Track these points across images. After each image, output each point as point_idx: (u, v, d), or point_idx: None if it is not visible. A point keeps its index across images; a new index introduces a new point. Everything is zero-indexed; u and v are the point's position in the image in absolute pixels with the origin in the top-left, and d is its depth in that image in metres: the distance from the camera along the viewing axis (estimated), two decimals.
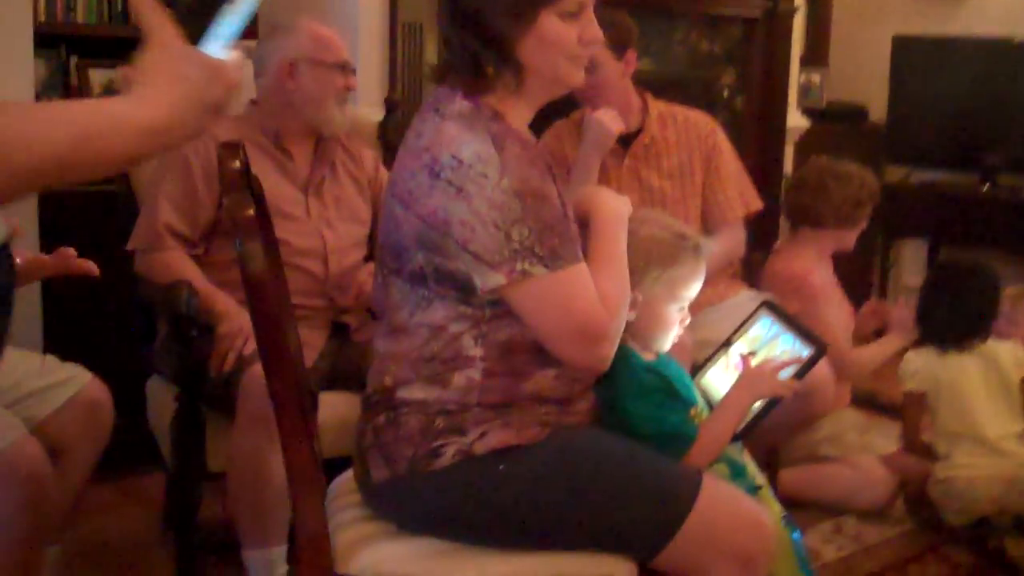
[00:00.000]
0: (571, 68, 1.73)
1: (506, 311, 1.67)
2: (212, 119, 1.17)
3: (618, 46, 2.90)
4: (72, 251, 2.25)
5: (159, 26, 1.16)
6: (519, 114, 1.75)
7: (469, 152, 1.62)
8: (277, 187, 2.65)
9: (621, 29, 2.92)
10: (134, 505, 3.14)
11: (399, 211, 1.69)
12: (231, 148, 1.73)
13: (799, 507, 2.94)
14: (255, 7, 1.22)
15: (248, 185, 1.76)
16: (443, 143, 1.65)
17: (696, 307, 2.88)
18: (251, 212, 1.61)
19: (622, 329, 1.73)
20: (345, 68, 2.71)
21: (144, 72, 1.13)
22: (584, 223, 1.80)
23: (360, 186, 2.80)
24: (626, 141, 3.01)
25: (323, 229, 2.66)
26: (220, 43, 1.20)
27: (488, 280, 1.62)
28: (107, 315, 3.15)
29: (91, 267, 2.26)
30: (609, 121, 2.89)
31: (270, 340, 1.60)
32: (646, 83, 3.17)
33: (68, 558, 2.54)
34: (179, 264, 2.53)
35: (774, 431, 2.51)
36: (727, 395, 1.90)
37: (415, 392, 1.69)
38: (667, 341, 1.94)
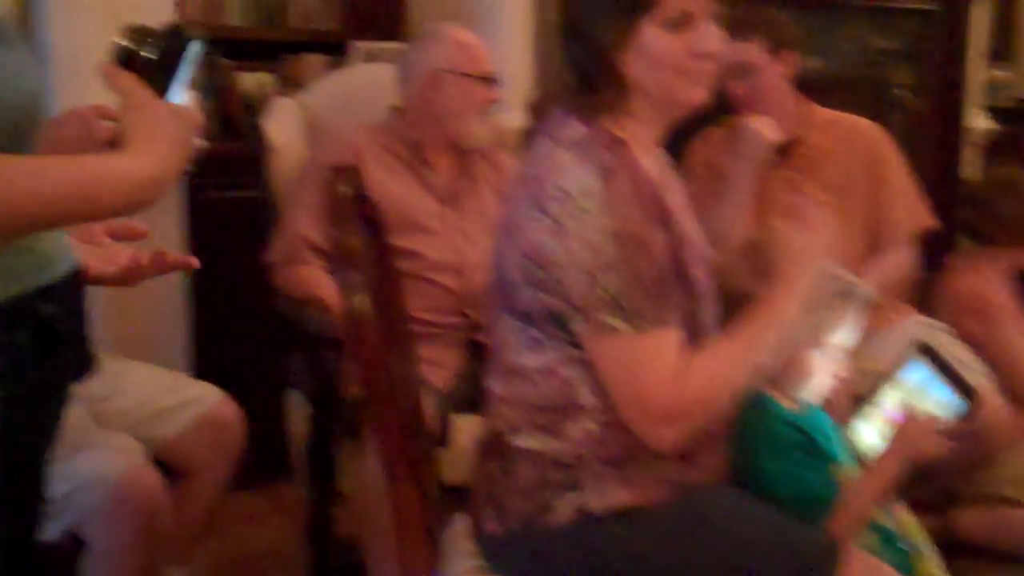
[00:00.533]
0: (685, 85, 1.57)
1: None
2: (188, 159, 1.32)
3: (775, 48, 2.72)
4: (166, 251, 2.23)
5: (131, 89, 1.28)
6: (643, 138, 1.61)
7: (575, 183, 1.50)
8: (414, 198, 2.58)
9: (779, 29, 2.74)
10: (278, 515, 3.13)
11: (505, 243, 1.58)
12: (341, 173, 1.65)
13: (979, 554, 2.71)
14: (202, 53, 1.37)
15: (362, 210, 1.69)
16: (552, 172, 1.53)
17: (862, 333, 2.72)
18: (355, 243, 1.53)
19: (706, 414, 1.55)
20: (489, 80, 2.62)
21: (131, 133, 1.26)
22: (760, 269, 1.65)
23: (529, 157, 2.70)
24: (784, 150, 2.82)
25: (460, 242, 2.57)
26: (180, 89, 1.34)
27: (575, 325, 1.50)
28: (253, 322, 3.14)
29: (190, 261, 2.24)
30: (764, 129, 2.70)
31: (371, 379, 1.52)
32: (811, 83, 2.97)
33: (206, 570, 2.53)
34: (315, 279, 2.47)
35: (946, 472, 2.31)
36: (877, 458, 1.73)
37: (528, 441, 1.58)
38: (810, 390, 1.78)
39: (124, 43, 1.29)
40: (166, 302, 2.99)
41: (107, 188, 1.23)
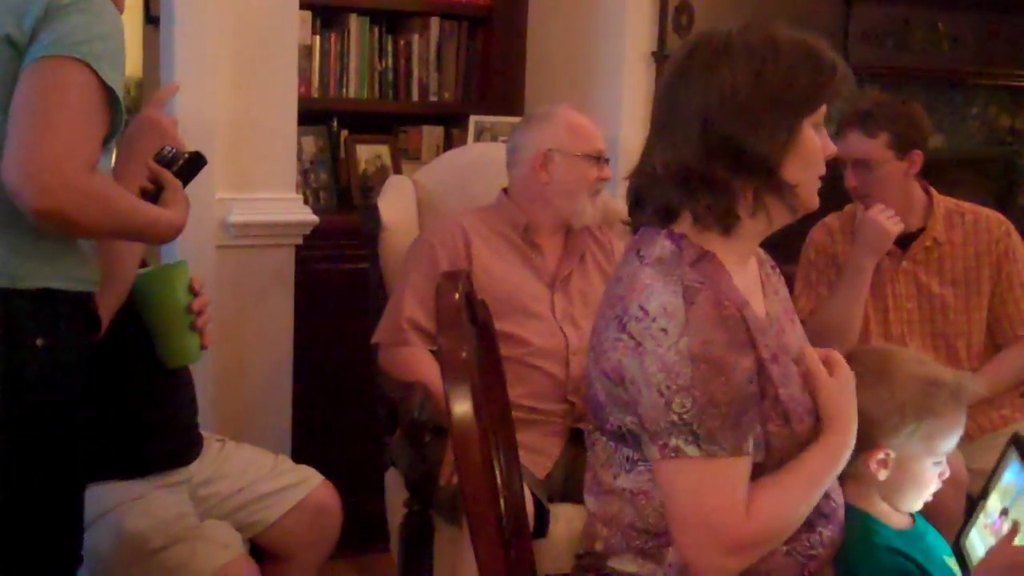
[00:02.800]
0: (812, 188, 1.57)
1: None
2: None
3: (902, 146, 2.66)
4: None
5: (170, 181, 1.87)
6: (737, 249, 1.57)
7: (656, 303, 1.47)
8: (522, 282, 2.57)
9: (907, 128, 2.68)
10: None
11: (592, 363, 1.56)
12: (451, 279, 1.64)
13: None
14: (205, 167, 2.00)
15: (471, 315, 1.68)
16: (635, 291, 1.50)
17: (977, 431, 2.62)
18: (463, 355, 1.52)
19: (769, 547, 1.50)
20: (600, 159, 2.61)
21: (170, 199, 1.84)
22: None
23: (614, 276, 2.67)
24: (905, 242, 2.74)
25: (567, 328, 2.54)
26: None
27: (647, 450, 1.47)
28: (355, 398, 3.16)
29: None
30: (885, 221, 2.64)
31: (471, 472, 1.50)
32: (936, 163, 2.90)
33: None
34: (419, 362, 2.47)
35: None
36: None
37: (627, 564, 1.54)
38: (921, 501, 1.71)
39: (166, 154, 1.91)
40: (272, 381, 3.03)
41: (160, 227, 1.81)
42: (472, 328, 1.68)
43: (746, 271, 1.61)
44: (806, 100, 1.52)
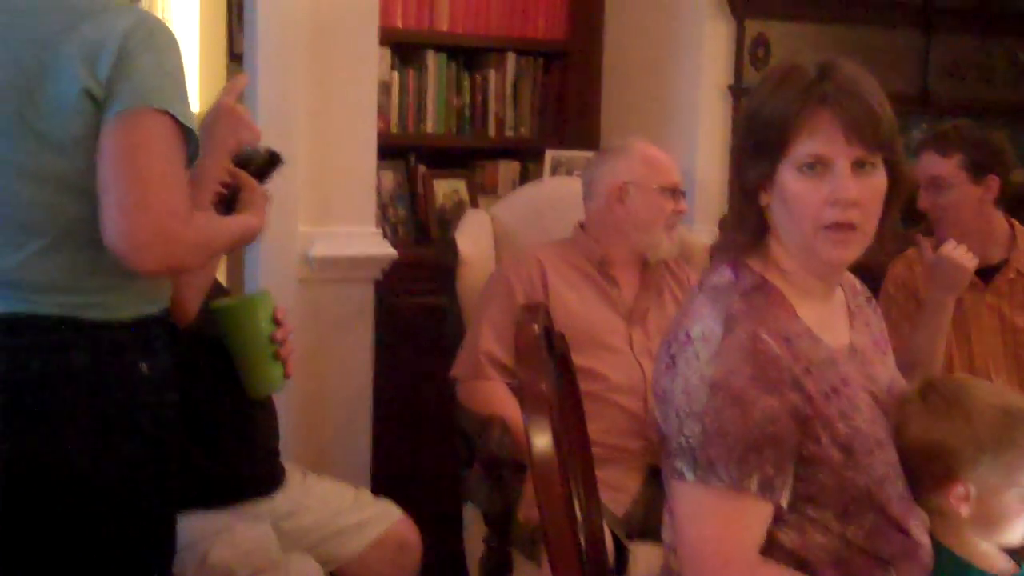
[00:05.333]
0: (822, 240, 1.49)
1: (799, 519, 1.47)
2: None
3: (976, 169, 2.62)
4: None
5: (247, 182, 1.87)
6: (804, 283, 1.55)
7: (698, 328, 1.48)
8: (599, 316, 2.57)
9: (983, 151, 2.63)
10: None
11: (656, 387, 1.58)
12: (530, 312, 1.65)
13: None
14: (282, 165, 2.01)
15: (550, 348, 1.69)
16: (687, 317, 1.52)
17: None
18: (543, 388, 1.52)
19: None
20: (675, 192, 2.61)
21: (248, 202, 1.85)
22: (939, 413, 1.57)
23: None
24: (988, 274, 2.70)
25: (644, 363, 2.53)
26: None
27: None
28: (433, 431, 3.17)
29: None
30: (960, 258, 2.58)
31: (551, 510, 1.50)
32: (1020, 197, 2.85)
33: None
34: (497, 396, 2.48)
35: None
36: None
37: None
38: (1016, 534, 1.64)
39: (244, 154, 1.91)
40: (351, 414, 3.06)
41: (246, 237, 1.85)
42: (551, 361, 1.68)
43: (824, 303, 1.59)
44: (767, 140, 1.49)
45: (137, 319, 1.68)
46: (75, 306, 1.63)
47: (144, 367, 1.68)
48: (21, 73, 1.59)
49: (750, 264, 1.55)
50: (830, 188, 1.47)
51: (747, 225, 1.55)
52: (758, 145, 1.50)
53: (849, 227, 1.49)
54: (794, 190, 1.48)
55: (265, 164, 1.95)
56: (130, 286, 1.67)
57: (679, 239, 2.67)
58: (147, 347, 1.69)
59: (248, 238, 1.85)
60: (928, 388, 1.62)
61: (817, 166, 1.47)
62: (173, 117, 1.61)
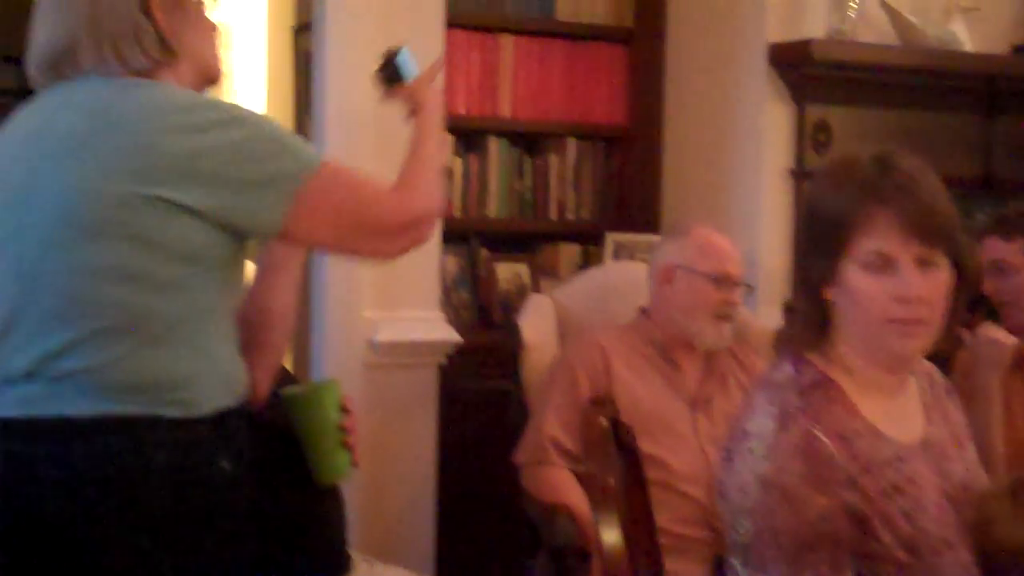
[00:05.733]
0: (890, 333, 1.49)
1: None
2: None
3: None
4: None
5: (398, 93, 2.07)
6: (869, 379, 1.54)
7: (755, 424, 1.49)
8: (662, 402, 2.56)
9: None
10: None
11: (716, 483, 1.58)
12: (598, 405, 1.66)
13: None
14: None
15: (618, 441, 1.69)
16: (746, 412, 1.53)
17: None
18: (611, 482, 1.53)
19: None
20: (724, 281, 2.59)
21: (417, 105, 2.01)
22: None
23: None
24: None
25: (709, 450, 2.52)
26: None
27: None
28: (497, 519, 3.17)
29: None
30: (997, 333, 2.56)
31: None
32: None
33: None
34: (562, 484, 2.47)
35: None
36: None
37: None
38: None
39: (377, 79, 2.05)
40: (414, 499, 3.06)
41: (438, 141, 1.97)
42: (619, 454, 1.69)
43: (892, 397, 1.58)
44: (827, 236, 1.50)
45: (216, 413, 1.70)
46: (156, 404, 1.64)
47: (225, 464, 1.69)
48: (112, 179, 1.60)
49: (812, 360, 1.55)
50: (895, 285, 1.47)
51: (811, 320, 1.55)
52: (819, 241, 1.52)
53: (916, 321, 1.49)
54: (859, 286, 1.49)
55: (390, 66, 2.04)
56: (208, 380, 1.69)
57: (736, 329, 2.65)
58: (228, 443, 1.70)
59: (438, 135, 1.96)
60: (1019, 487, 1.59)
61: (881, 263, 1.48)
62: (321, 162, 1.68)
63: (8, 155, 1.68)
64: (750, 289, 2.69)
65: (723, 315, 2.60)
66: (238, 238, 1.67)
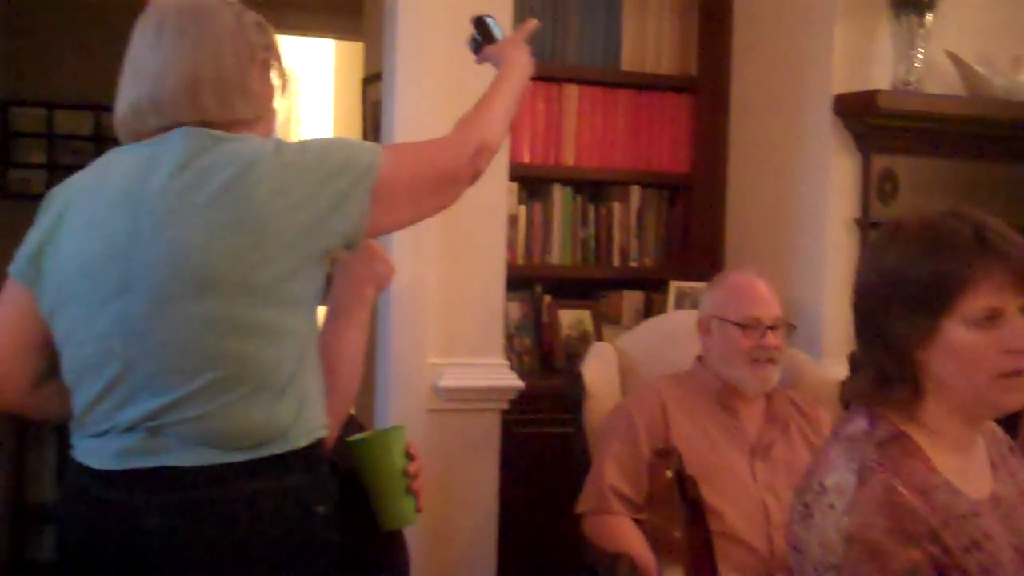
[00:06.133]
0: (1001, 388, 1.49)
1: None
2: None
3: None
4: None
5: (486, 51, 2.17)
6: (943, 432, 1.54)
7: (832, 479, 1.48)
8: (720, 451, 2.56)
9: None
10: None
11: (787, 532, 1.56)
12: (663, 456, 1.67)
13: None
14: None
15: (681, 492, 1.70)
16: (821, 466, 1.52)
17: None
18: (677, 535, 1.54)
19: None
20: (754, 326, 2.58)
21: (507, 55, 2.11)
22: None
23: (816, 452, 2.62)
24: None
25: (768, 499, 2.50)
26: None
27: None
28: (559, 565, 3.17)
29: None
30: None
31: None
32: None
33: None
34: (624, 532, 2.48)
35: None
36: None
37: None
38: None
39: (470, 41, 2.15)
40: (476, 545, 3.08)
41: (522, 78, 2.10)
42: (684, 506, 1.69)
43: (964, 454, 1.58)
44: (925, 298, 1.49)
45: (311, 457, 1.72)
46: (257, 450, 1.66)
47: (320, 509, 1.71)
48: (215, 232, 1.63)
49: (886, 414, 1.55)
50: (1004, 337, 1.48)
51: (897, 382, 1.53)
52: (912, 304, 1.50)
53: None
54: (966, 344, 1.48)
55: (481, 31, 2.16)
56: (306, 422, 1.70)
57: (778, 372, 2.64)
58: (321, 488, 1.73)
59: (515, 80, 2.03)
60: None
61: (989, 318, 1.48)
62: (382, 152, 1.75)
63: (106, 205, 1.70)
64: (791, 328, 2.67)
65: (761, 359, 2.58)
66: (327, 263, 1.72)
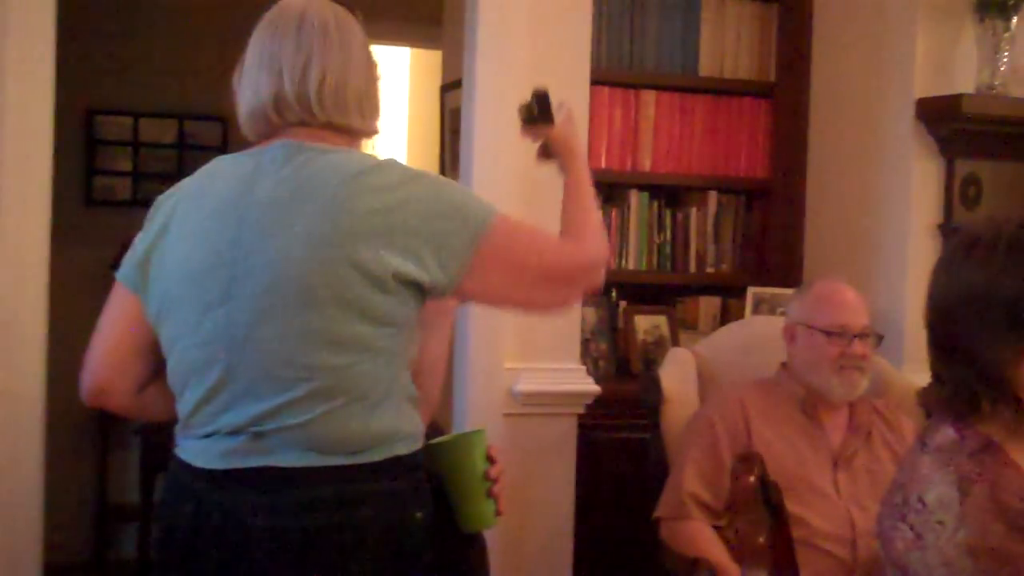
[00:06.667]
0: None
1: None
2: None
3: None
4: None
5: (544, 132, 2.02)
6: None
7: (933, 495, 1.45)
8: (804, 459, 2.53)
9: None
10: None
11: (881, 550, 1.54)
12: (746, 461, 1.66)
13: None
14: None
15: (764, 497, 1.69)
16: (915, 481, 1.49)
17: None
18: (761, 540, 1.53)
19: None
20: (840, 334, 2.56)
21: (561, 146, 2.02)
22: None
23: (900, 461, 2.59)
24: None
25: (852, 508, 2.48)
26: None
27: None
28: (636, 565, 3.16)
29: None
30: None
31: None
32: None
33: None
34: (703, 538, 2.47)
35: None
36: None
37: None
38: None
39: (522, 114, 2.03)
40: (551, 549, 3.09)
41: (586, 173, 2.00)
42: (767, 511, 1.68)
43: None
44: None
45: (408, 464, 1.74)
46: (358, 456, 1.68)
47: (418, 514, 1.73)
48: (315, 244, 1.64)
49: (973, 422, 1.52)
50: None
51: (985, 399, 1.50)
52: (1004, 324, 1.47)
53: None
54: None
55: (541, 106, 2.04)
56: (401, 433, 1.73)
57: (865, 380, 2.61)
58: (418, 494, 1.75)
59: (587, 174, 1.97)
60: None
61: None
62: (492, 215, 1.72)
63: (210, 213, 1.73)
64: (879, 338, 2.64)
65: (847, 367, 2.56)
66: (423, 297, 1.70)
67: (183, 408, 1.75)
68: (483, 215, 1.70)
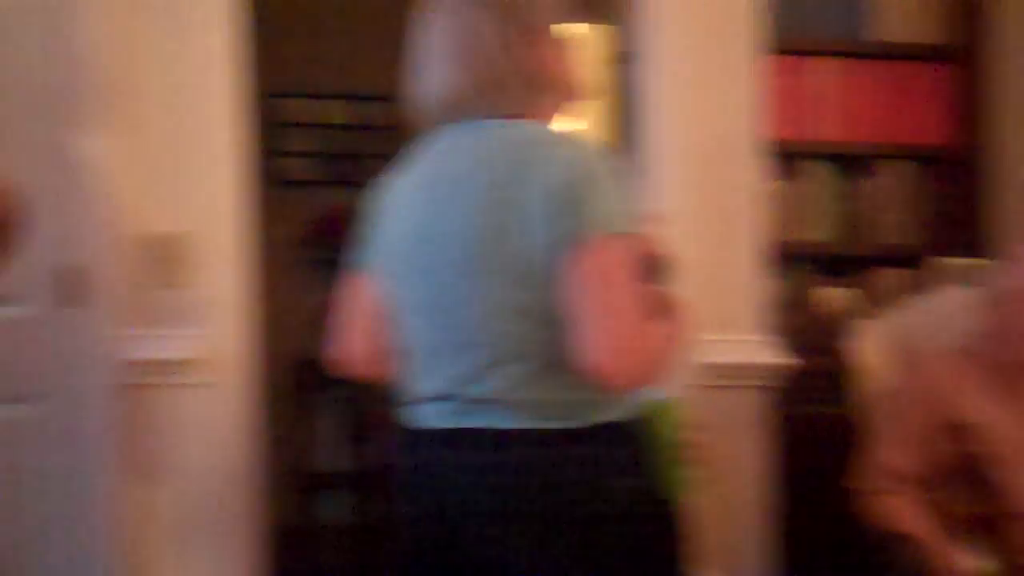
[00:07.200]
0: None
1: None
2: None
3: None
4: None
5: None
6: None
7: None
8: (1010, 430, 2.48)
9: None
10: None
11: None
12: (952, 432, 1.66)
13: None
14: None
15: (969, 468, 1.69)
16: None
17: None
18: (966, 512, 1.53)
19: None
20: None
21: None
22: None
23: None
24: None
25: None
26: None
27: None
28: (838, 543, 3.15)
29: None
30: None
31: None
32: None
33: None
34: (904, 511, 2.43)
35: None
36: None
37: None
38: None
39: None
40: (748, 523, 3.13)
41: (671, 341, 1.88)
42: (973, 483, 1.68)
43: None
44: None
45: (611, 429, 1.80)
46: (563, 420, 1.75)
47: (625, 482, 1.78)
48: (491, 215, 1.73)
49: None
50: None
51: None
52: None
53: None
54: None
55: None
56: (598, 400, 1.78)
57: None
58: (625, 463, 1.81)
59: (672, 344, 1.85)
60: None
61: None
62: (626, 238, 1.71)
63: (415, 190, 1.86)
64: None
65: None
66: None
67: (407, 374, 1.89)
68: (602, 219, 1.69)
